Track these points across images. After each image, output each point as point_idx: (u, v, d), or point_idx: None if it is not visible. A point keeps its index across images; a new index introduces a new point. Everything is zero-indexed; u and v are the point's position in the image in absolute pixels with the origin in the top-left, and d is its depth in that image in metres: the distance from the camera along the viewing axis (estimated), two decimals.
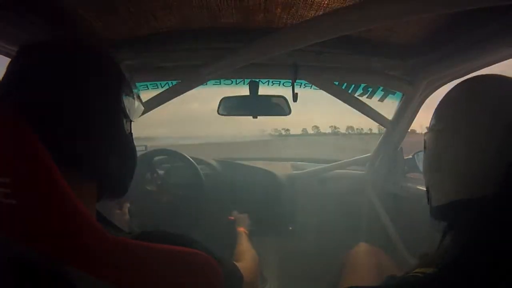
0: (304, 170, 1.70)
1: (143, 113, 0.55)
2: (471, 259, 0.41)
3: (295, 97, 1.04)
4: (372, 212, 1.52)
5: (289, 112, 1.17)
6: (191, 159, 1.33)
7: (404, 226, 1.30)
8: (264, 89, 1.15)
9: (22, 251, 0.32)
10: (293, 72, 0.99)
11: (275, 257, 1.66)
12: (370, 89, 1.17)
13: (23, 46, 0.42)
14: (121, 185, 0.48)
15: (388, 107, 1.23)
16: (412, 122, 1.30)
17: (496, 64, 0.85)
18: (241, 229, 1.10)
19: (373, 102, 1.20)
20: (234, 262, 0.59)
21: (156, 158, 1.43)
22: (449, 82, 1.06)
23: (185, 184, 1.36)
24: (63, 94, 0.39)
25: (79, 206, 0.34)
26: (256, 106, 1.17)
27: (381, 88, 1.16)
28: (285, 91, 1.14)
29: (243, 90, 1.16)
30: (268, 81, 1.14)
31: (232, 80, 1.15)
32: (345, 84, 1.15)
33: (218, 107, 1.19)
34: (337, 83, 1.12)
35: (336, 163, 1.67)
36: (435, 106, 0.58)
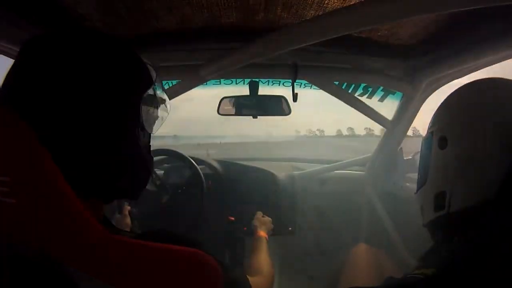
0: (304, 170, 1.70)
1: None
2: (471, 262, 0.42)
3: (295, 97, 1.04)
4: (372, 212, 1.52)
5: (289, 112, 1.17)
6: (191, 159, 1.33)
7: (404, 226, 1.30)
8: (264, 89, 1.15)
9: (21, 250, 0.32)
10: (293, 72, 0.99)
11: (275, 257, 1.66)
12: (370, 89, 1.17)
13: (27, 43, 0.40)
14: (132, 194, 0.47)
15: (387, 107, 1.23)
16: (412, 122, 1.30)
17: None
18: (262, 234, 1.02)
19: (373, 102, 1.20)
20: (247, 277, 0.55)
21: (156, 158, 1.43)
22: (449, 82, 1.06)
23: (185, 184, 1.36)
24: (69, 96, 0.37)
25: (78, 205, 0.34)
26: (256, 106, 1.17)
27: (381, 88, 1.16)
28: (285, 91, 1.14)
29: (243, 90, 1.16)
30: (268, 81, 1.14)
31: (232, 80, 1.15)
32: (345, 84, 1.15)
33: (218, 107, 1.19)
34: (337, 83, 1.12)
35: (336, 163, 1.67)
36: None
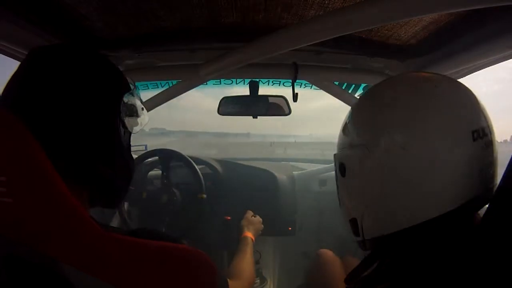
0: (304, 170, 1.70)
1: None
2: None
3: (295, 97, 1.04)
4: None
5: (289, 112, 1.17)
6: (190, 159, 1.33)
7: None
8: (264, 89, 1.15)
9: (17, 249, 0.32)
10: (293, 72, 0.99)
11: (275, 256, 1.66)
12: None
13: (28, 54, 0.43)
14: (114, 196, 0.48)
15: None
16: None
17: None
18: (248, 234, 1.01)
19: None
20: (227, 279, 0.56)
21: (156, 158, 1.43)
22: None
23: (184, 184, 1.36)
24: (59, 99, 0.40)
25: (74, 204, 0.34)
26: (256, 106, 1.17)
27: None
28: (285, 91, 1.14)
29: (243, 90, 1.16)
30: (268, 81, 1.15)
31: (232, 80, 1.15)
32: (345, 84, 1.15)
33: (218, 107, 1.19)
34: (337, 83, 1.12)
35: None
36: None
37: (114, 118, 0.45)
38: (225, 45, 0.88)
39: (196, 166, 1.32)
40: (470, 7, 0.54)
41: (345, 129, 0.52)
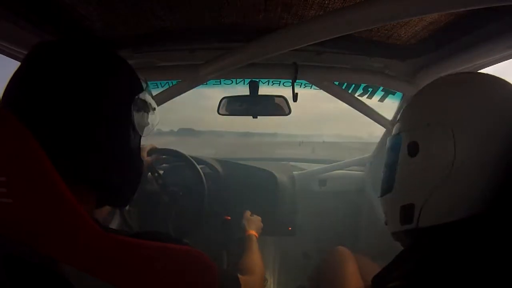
0: (304, 170, 1.71)
1: None
2: (451, 276, 0.39)
3: (295, 97, 1.04)
4: (372, 212, 1.52)
5: (289, 112, 1.17)
6: (191, 159, 1.33)
7: None
8: (264, 89, 1.15)
9: (18, 250, 0.32)
10: (293, 72, 0.99)
11: (275, 256, 1.66)
12: (370, 89, 1.17)
13: (32, 48, 0.41)
14: (122, 198, 0.47)
15: (388, 107, 1.23)
16: None
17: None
18: (252, 232, 1.04)
19: (374, 102, 1.20)
20: (237, 276, 0.57)
21: (157, 158, 1.43)
22: None
23: (185, 183, 1.36)
24: (65, 99, 0.39)
25: (74, 205, 0.34)
26: (256, 106, 1.17)
27: (381, 88, 1.16)
28: (285, 91, 1.14)
29: (243, 90, 1.16)
30: (268, 81, 1.14)
31: (232, 80, 1.15)
32: (345, 84, 1.15)
33: (218, 107, 1.19)
34: (337, 83, 1.12)
35: (336, 163, 1.67)
36: None
37: (124, 119, 0.43)
38: (225, 45, 0.88)
39: (197, 166, 1.32)
40: (470, 7, 0.54)
41: (415, 108, 0.52)
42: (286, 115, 1.18)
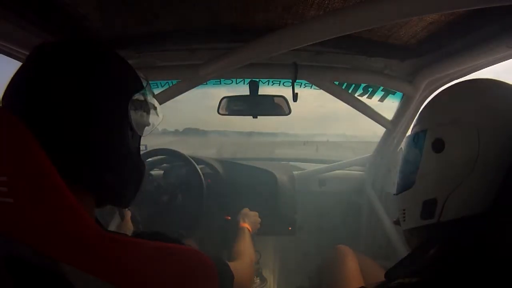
0: (304, 170, 1.71)
1: None
2: (463, 272, 0.40)
3: (295, 97, 1.04)
4: (372, 212, 1.52)
5: (289, 112, 1.17)
6: (190, 159, 1.33)
7: None
8: (264, 89, 1.15)
9: (18, 249, 0.32)
10: (293, 72, 0.99)
11: (275, 256, 1.67)
12: (370, 89, 1.17)
13: (33, 49, 0.41)
14: (122, 198, 0.47)
15: (387, 108, 1.23)
16: (412, 122, 1.29)
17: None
18: (245, 225, 1.07)
19: (374, 102, 1.20)
20: (226, 262, 0.58)
21: (156, 158, 1.43)
22: (449, 82, 1.06)
23: (185, 183, 1.36)
24: (64, 100, 0.39)
25: (74, 205, 0.34)
26: (256, 106, 1.17)
27: (381, 88, 1.16)
28: (285, 91, 1.14)
29: (243, 90, 1.16)
30: (268, 81, 1.14)
31: (232, 80, 1.15)
32: (345, 84, 1.15)
33: (218, 107, 1.19)
34: (337, 83, 1.12)
35: (336, 163, 1.67)
36: None
37: (121, 119, 0.42)
38: (225, 45, 0.88)
39: (197, 166, 1.32)
40: (470, 7, 0.54)
41: (440, 107, 0.55)
42: (286, 115, 1.18)
